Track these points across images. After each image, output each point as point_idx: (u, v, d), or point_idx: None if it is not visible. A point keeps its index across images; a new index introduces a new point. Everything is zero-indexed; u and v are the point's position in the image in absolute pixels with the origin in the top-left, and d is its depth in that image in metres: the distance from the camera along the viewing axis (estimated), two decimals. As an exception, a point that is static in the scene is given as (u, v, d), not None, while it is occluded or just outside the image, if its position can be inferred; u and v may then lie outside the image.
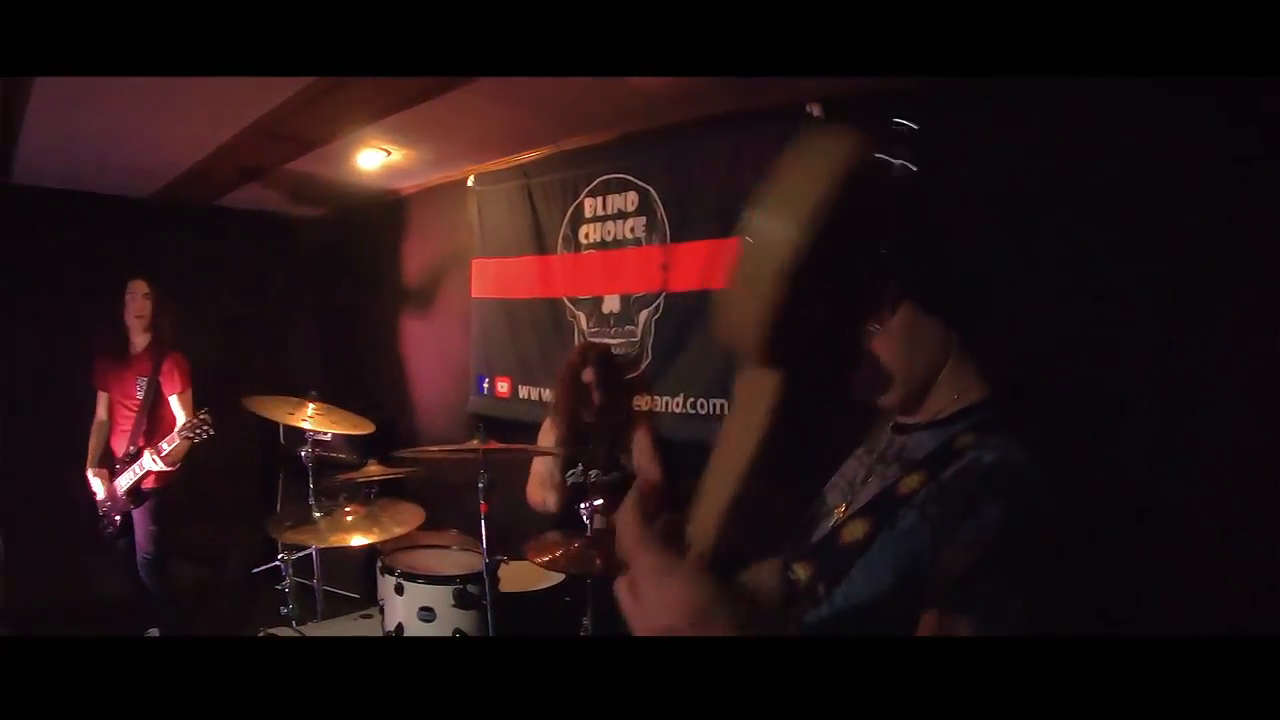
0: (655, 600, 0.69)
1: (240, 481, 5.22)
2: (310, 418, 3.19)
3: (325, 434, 4.53)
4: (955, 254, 1.07)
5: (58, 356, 4.11)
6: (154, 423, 3.76)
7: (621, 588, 0.71)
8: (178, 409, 3.77)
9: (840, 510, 1.11)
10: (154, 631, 3.90)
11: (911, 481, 1.01)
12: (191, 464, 3.80)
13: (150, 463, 3.58)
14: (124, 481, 3.70)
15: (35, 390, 4.39)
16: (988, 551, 0.89)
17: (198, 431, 3.54)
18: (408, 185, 4.93)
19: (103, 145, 3.93)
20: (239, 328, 5.55)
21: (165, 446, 3.57)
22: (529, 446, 3.05)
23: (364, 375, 5.50)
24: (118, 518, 3.74)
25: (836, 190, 0.47)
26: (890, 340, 1.04)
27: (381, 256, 5.35)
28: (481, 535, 2.51)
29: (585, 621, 2.79)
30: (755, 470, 0.52)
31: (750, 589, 0.69)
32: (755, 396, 0.52)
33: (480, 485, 2.49)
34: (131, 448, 3.72)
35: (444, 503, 4.03)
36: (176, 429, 3.58)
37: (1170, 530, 2.07)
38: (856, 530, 1.02)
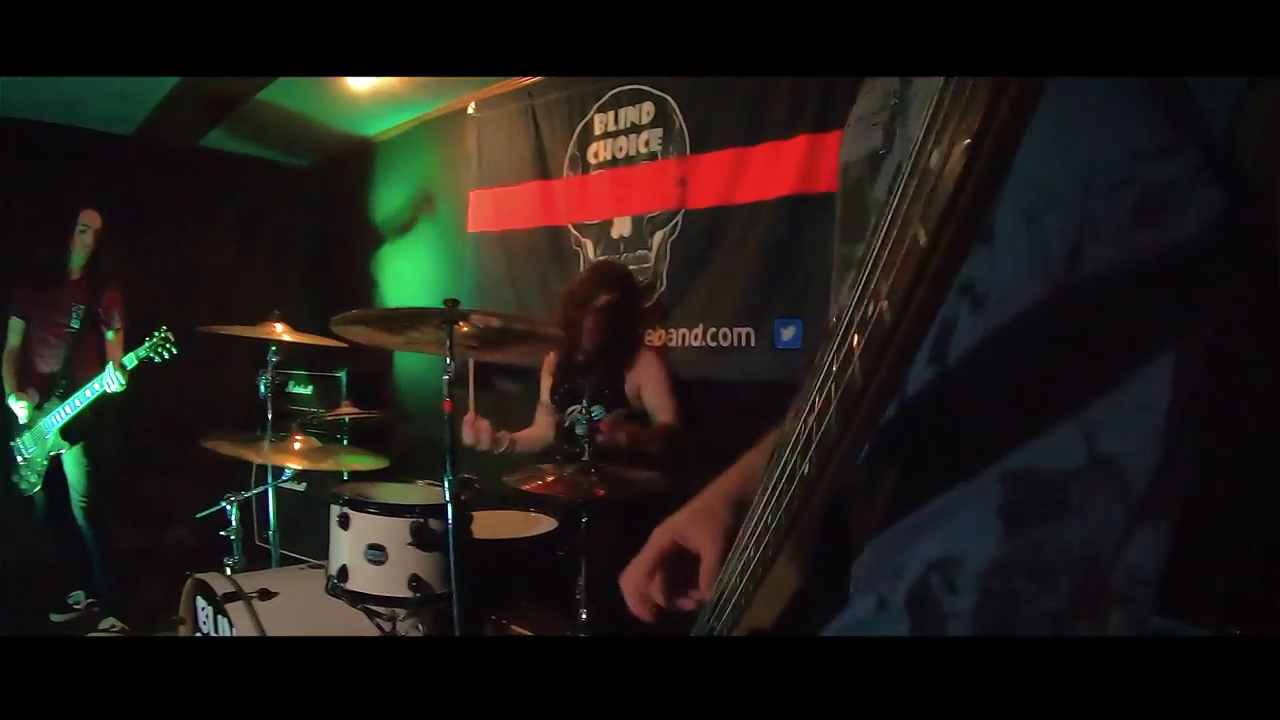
0: None
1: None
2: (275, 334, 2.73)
3: (300, 377, 4.13)
4: None
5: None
6: (85, 352, 3.40)
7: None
8: (112, 344, 3.44)
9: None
10: (78, 595, 3.55)
11: None
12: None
13: (110, 381, 3.16)
14: (60, 416, 3.28)
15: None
16: None
17: (159, 350, 3.14)
18: (402, 121, 4.56)
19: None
20: (223, 270, 5.12)
21: (127, 363, 3.16)
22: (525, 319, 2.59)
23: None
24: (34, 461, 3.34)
25: None
26: None
27: (372, 199, 4.97)
28: (446, 449, 1.95)
29: (580, 582, 2.24)
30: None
31: None
32: None
33: (445, 377, 1.91)
34: (63, 380, 3.32)
35: (415, 454, 3.56)
36: (146, 344, 3.17)
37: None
38: None
